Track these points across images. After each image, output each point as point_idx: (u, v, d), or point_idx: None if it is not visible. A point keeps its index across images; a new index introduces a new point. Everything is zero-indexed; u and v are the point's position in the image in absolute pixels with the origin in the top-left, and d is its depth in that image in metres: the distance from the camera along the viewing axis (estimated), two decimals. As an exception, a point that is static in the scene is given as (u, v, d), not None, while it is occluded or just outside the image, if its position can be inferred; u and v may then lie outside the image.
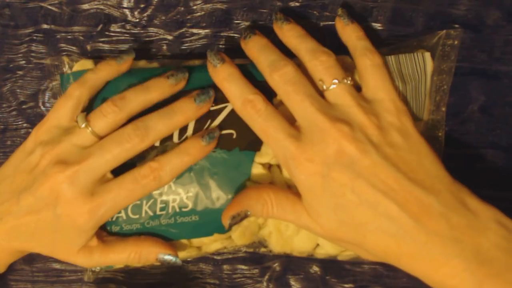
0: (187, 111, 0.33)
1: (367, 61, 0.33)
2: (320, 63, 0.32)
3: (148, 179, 0.32)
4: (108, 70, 0.34)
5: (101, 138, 0.33)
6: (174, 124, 0.33)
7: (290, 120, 0.32)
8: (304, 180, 0.31)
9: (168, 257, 0.34)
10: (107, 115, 0.32)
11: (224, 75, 0.33)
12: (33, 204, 0.32)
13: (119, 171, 0.33)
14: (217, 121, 0.34)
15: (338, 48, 0.35)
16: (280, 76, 0.32)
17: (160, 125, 0.33)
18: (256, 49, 0.34)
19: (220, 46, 0.40)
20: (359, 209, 0.30)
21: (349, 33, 0.34)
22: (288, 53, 0.34)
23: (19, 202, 0.32)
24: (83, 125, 0.32)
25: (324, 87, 0.32)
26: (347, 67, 0.35)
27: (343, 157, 0.30)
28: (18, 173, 0.33)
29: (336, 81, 0.32)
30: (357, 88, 0.33)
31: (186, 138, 0.34)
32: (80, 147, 0.32)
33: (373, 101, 0.32)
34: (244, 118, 0.33)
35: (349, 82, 0.32)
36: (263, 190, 0.33)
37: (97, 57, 0.40)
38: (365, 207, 0.30)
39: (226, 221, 0.33)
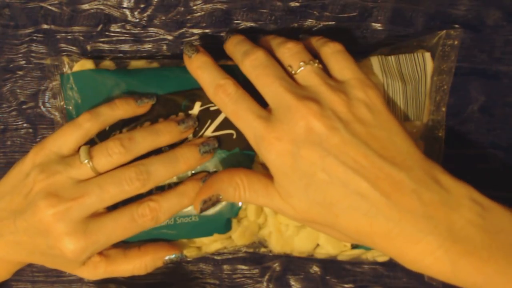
0: (190, 160, 0.33)
1: (328, 50, 0.33)
2: (288, 50, 0.32)
3: (146, 219, 0.32)
4: (125, 110, 0.34)
5: (99, 174, 0.32)
6: (176, 172, 0.33)
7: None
8: (274, 160, 0.30)
9: (174, 257, 0.34)
10: (113, 155, 0.31)
11: (198, 64, 0.33)
12: (28, 229, 0.31)
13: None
14: (217, 121, 0.34)
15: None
16: (251, 61, 0.32)
17: (162, 172, 0.32)
18: (232, 45, 0.34)
19: (220, 46, 0.40)
20: (330, 187, 0.29)
21: (309, 42, 0.35)
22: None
23: (15, 223, 0.32)
24: (85, 161, 0.31)
25: (293, 71, 0.32)
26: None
27: (312, 135, 0.29)
28: (15, 194, 0.32)
29: (302, 63, 0.32)
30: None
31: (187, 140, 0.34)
32: (76, 181, 0.31)
33: (341, 83, 0.32)
34: (217, 105, 0.33)
35: (316, 64, 0.32)
36: (235, 173, 0.32)
37: (97, 57, 0.40)
38: (336, 185, 0.29)
39: (197, 206, 0.32)
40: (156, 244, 0.35)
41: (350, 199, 0.29)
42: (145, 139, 0.32)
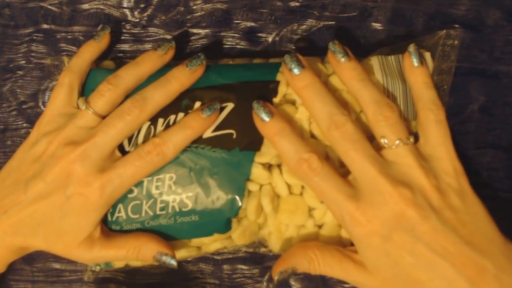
0: (181, 77, 0.34)
1: (431, 116, 0.32)
2: (384, 119, 0.32)
3: (152, 155, 0.33)
4: (90, 51, 0.36)
5: (103, 118, 0.34)
6: (170, 92, 0.34)
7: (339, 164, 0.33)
8: (362, 239, 0.31)
9: (165, 258, 0.34)
10: (104, 94, 0.33)
11: (275, 130, 0.32)
12: (43, 190, 0.32)
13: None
14: (217, 121, 0.34)
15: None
16: (340, 134, 0.32)
17: (156, 95, 0.33)
18: (310, 92, 0.33)
19: (220, 46, 0.40)
20: (416, 269, 0.30)
21: (417, 77, 0.34)
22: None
23: (26, 191, 0.33)
24: (84, 107, 0.33)
25: (386, 145, 0.32)
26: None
27: (404, 222, 0.30)
28: (23, 165, 0.34)
29: (400, 143, 0.32)
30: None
31: None
32: (86, 128, 0.33)
33: (431, 158, 0.32)
34: (298, 176, 0.33)
35: (411, 142, 0.32)
36: (308, 247, 0.33)
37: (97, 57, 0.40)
38: (422, 269, 0.30)
39: (274, 276, 0.33)
40: (154, 236, 0.35)
41: (435, 282, 0.30)
42: (128, 71, 0.34)
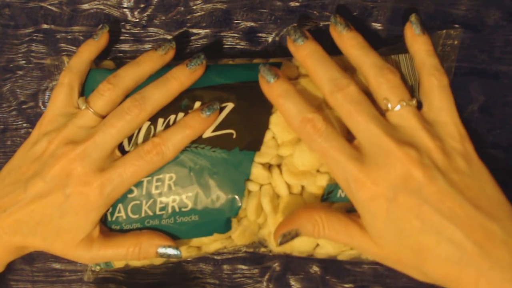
0: (180, 77, 0.34)
1: (435, 81, 0.32)
2: (386, 82, 0.32)
3: (152, 154, 0.33)
4: (89, 50, 0.36)
5: (103, 117, 0.34)
6: (170, 91, 0.34)
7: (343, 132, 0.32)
8: (367, 203, 0.30)
9: (170, 250, 0.34)
10: (104, 93, 0.33)
11: (280, 92, 0.32)
12: (42, 189, 0.32)
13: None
14: (217, 121, 0.34)
15: (338, 48, 0.35)
16: (343, 96, 0.31)
17: (156, 94, 0.33)
18: (313, 59, 0.33)
19: (220, 46, 0.40)
20: (423, 234, 0.30)
21: (419, 45, 0.33)
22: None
23: (26, 190, 0.33)
24: (84, 107, 0.33)
25: (389, 107, 0.32)
26: (348, 67, 0.35)
27: (410, 183, 0.30)
28: (23, 164, 0.34)
29: (403, 103, 0.31)
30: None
31: None
32: (86, 128, 0.33)
33: (436, 123, 0.32)
34: (301, 137, 0.33)
35: (414, 103, 0.32)
36: (314, 210, 0.32)
37: (97, 57, 0.40)
38: (429, 232, 0.29)
39: (277, 239, 0.33)
40: (154, 232, 0.35)
41: (442, 247, 0.29)
42: (128, 71, 0.34)
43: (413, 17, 0.34)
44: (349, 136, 0.32)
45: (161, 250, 0.34)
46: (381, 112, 0.32)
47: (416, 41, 0.33)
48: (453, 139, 0.31)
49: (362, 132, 0.31)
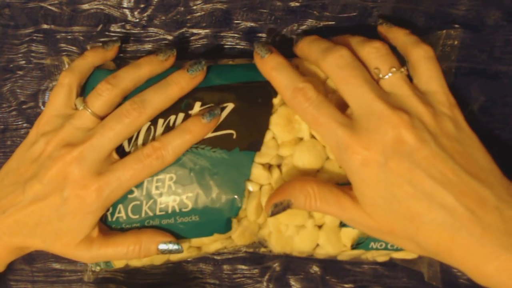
0: (181, 81, 0.34)
1: (421, 52, 0.32)
2: (375, 51, 0.32)
3: (151, 158, 0.33)
4: (95, 56, 0.35)
5: (101, 118, 0.33)
6: (170, 96, 0.34)
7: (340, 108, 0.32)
8: (358, 169, 0.30)
9: (171, 246, 0.34)
10: (102, 93, 0.33)
11: (272, 65, 0.33)
12: (40, 191, 0.32)
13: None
14: (217, 121, 0.35)
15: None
16: (335, 59, 0.31)
17: (156, 98, 0.33)
18: (307, 44, 0.34)
19: (220, 46, 0.40)
20: (414, 200, 0.29)
21: (395, 33, 0.34)
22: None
23: (24, 192, 0.33)
24: (82, 107, 0.33)
25: (380, 75, 0.32)
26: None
27: (402, 146, 0.29)
28: (21, 165, 0.34)
29: (394, 69, 0.31)
30: None
31: None
32: (83, 129, 0.33)
33: (426, 93, 0.32)
34: (293, 107, 0.32)
35: (404, 71, 0.32)
36: (306, 182, 0.32)
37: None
38: (421, 198, 0.29)
39: (268, 209, 0.32)
40: (153, 229, 0.35)
41: (434, 213, 0.29)
42: (128, 73, 0.34)
43: (380, 20, 0.35)
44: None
45: (162, 247, 0.34)
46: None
47: (392, 31, 0.34)
48: (443, 105, 0.31)
49: (355, 97, 0.31)
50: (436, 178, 0.29)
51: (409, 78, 0.33)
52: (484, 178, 0.30)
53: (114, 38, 0.36)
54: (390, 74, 0.31)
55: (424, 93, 0.32)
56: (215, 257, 0.41)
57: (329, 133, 0.31)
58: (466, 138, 0.31)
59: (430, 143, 0.29)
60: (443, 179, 0.29)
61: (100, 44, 0.36)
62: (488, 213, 0.29)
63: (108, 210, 0.34)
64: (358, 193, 0.31)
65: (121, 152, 0.34)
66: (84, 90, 0.35)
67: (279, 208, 0.32)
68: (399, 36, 0.34)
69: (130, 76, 0.34)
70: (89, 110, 0.33)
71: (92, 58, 0.35)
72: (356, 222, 0.31)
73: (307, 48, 0.34)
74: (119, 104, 0.34)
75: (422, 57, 0.32)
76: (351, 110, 0.31)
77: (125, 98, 0.34)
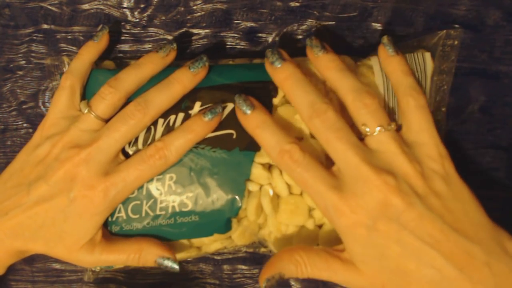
0: (183, 79, 0.34)
1: (412, 102, 0.32)
2: (364, 106, 0.31)
3: (154, 159, 0.33)
4: (89, 52, 0.35)
5: (106, 121, 0.34)
6: (173, 94, 0.34)
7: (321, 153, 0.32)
8: (347, 230, 0.30)
9: (167, 262, 0.34)
10: (105, 97, 0.33)
11: (257, 123, 0.32)
12: (46, 192, 0.32)
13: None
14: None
15: (338, 48, 0.35)
16: (321, 122, 0.31)
17: (159, 97, 0.33)
18: (291, 82, 0.32)
19: (220, 46, 0.40)
20: (403, 259, 0.30)
21: (394, 65, 0.33)
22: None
23: (29, 193, 0.33)
24: (86, 111, 0.33)
25: (368, 132, 0.31)
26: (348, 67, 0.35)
27: (389, 210, 0.30)
28: (26, 167, 0.34)
29: (381, 128, 0.31)
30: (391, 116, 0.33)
31: None
32: (89, 132, 0.33)
33: (415, 144, 0.32)
34: (280, 167, 0.33)
35: (393, 127, 0.31)
36: (294, 251, 0.32)
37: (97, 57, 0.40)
38: (410, 257, 0.29)
39: (262, 284, 0.32)
40: (155, 241, 0.35)
41: (423, 272, 0.29)
42: (129, 74, 0.34)
43: (385, 39, 0.34)
44: (329, 162, 0.32)
45: (160, 261, 0.34)
46: (360, 137, 0.32)
47: (391, 61, 0.34)
48: (433, 160, 0.31)
49: (341, 159, 0.31)
50: (424, 239, 0.29)
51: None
52: (473, 234, 0.30)
53: (100, 26, 0.36)
54: (377, 132, 0.31)
55: (412, 144, 0.32)
56: (215, 257, 0.41)
57: (318, 196, 0.31)
58: (457, 193, 0.31)
59: (417, 205, 0.30)
60: (431, 240, 0.29)
61: (90, 38, 0.36)
62: (477, 269, 0.29)
63: (110, 213, 0.34)
64: (349, 250, 0.31)
65: (121, 152, 0.34)
66: (85, 91, 0.35)
67: (272, 282, 0.32)
68: (395, 72, 0.33)
69: (132, 77, 0.34)
70: (93, 114, 0.33)
71: (87, 55, 0.35)
72: (347, 282, 0.32)
73: (291, 90, 0.32)
74: (124, 105, 0.34)
75: (413, 106, 0.32)
76: (338, 168, 0.31)
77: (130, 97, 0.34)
